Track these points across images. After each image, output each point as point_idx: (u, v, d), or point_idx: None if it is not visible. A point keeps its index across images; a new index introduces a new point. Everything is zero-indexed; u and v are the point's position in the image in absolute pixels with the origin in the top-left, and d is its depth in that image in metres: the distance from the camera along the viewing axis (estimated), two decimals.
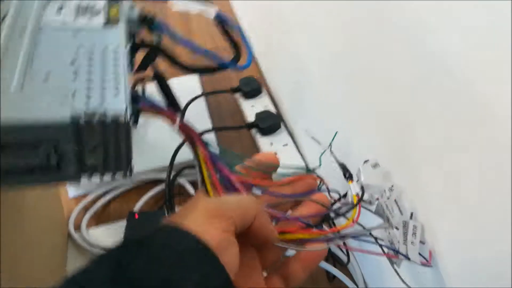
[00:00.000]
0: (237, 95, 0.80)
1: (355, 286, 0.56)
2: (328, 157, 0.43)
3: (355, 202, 0.37)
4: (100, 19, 0.35)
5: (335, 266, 0.56)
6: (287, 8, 0.68)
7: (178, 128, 0.33)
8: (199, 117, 0.76)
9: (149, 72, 0.55)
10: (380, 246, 0.38)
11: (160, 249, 0.26)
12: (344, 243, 0.55)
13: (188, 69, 0.45)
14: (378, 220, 0.40)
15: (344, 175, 0.41)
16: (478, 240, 0.33)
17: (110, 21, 0.35)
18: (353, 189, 0.39)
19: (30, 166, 0.26)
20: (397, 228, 0.37)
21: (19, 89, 0.26)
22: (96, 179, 0.29)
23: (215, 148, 0.35)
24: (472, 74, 0.30)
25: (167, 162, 0.62)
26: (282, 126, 0.74)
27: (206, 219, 0.28)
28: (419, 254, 0.37)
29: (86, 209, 0.63)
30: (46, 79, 0.28)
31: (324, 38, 0.56)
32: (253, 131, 0.74)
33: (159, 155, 0.67)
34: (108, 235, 0.60)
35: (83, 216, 0.62)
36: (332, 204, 0.38)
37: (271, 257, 0.36)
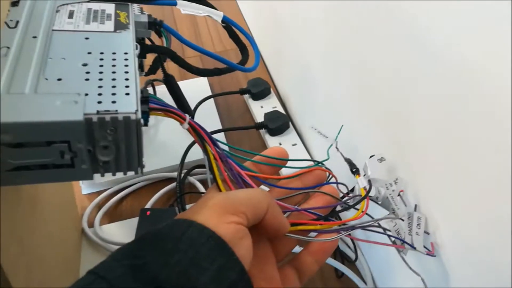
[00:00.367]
0: (246, 96, 0.81)
1: (364, 283, 0.56)
2: (335, 153, 0.44)
3: (363, 195, 0.38)
4: (110, 23, 0.36)
5: (343, 264, 0.57)
6: (291, 8, 0.69)
7: (188, 128, 0.34)
8: (209, 118, 0.77)
9: (159, 74, 0.56)
10: (388, 236, 0.38)
11: (176, 242, 0.27)
12: (353, 242, 0.56)
13: (196, 72, 0.46)
14: (384, 213, 0.41)
15: (351, 170, 0.41)
16: (478, 231, 0.33)
17: (120, 25, 0.36)
18: (361, 183, 0.40)
19: (44, 163, 0.27)
20: (402, 219, 0.38)
21: (33, 91, 0.27)
22: (108, 175, 0.30)
23: (224, 146, 0.36)
24: (474, 67, 0.30)
25: (177, 161, 0.63)
26: (291, 126, 0.75)
27: (219, 214, 0.29)
28: (424, 246, 0.38)
29: (99, 206, 0.65)
30: (59, 81, 0.29)
31: (328, 37, 0.56)
32: (262, 131, 0.75)
33: (170, 155, 0.68)
34: (121, 232, 0.61)
35: (96, 213, 0.63)
36: (342, 197, 0.39)
37: (284, 249, 0.37)
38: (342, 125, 0.46)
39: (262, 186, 0.37)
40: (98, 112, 0.27)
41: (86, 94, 0.28)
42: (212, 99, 0.80)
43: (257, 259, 0.30)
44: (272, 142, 0.73)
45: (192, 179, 0.67)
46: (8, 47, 0.30)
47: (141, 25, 0.40)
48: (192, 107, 0.67)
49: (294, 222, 0.35)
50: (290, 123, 0.75)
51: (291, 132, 0.74)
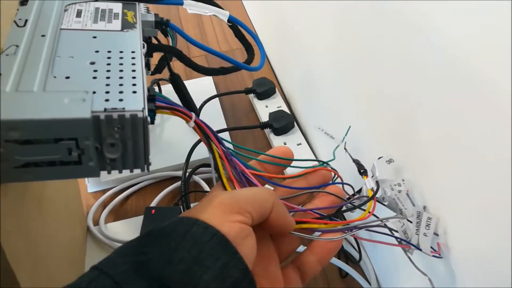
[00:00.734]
0: (251, 96, 0.81)
1: (368, 284, 0.56)
2: (340, 154, 0.44)
3: (370, 196, 0.38)
4: (117, 23, 0.36)
5: (347, 264, 0.57)
6: (296, 8, 0.69)
7: (194, 126, 0.34)
8: (214, 117, 0.77)
9: (165, 73, 0.57)
10: (394, 237, 0.38)
11: (180, 239, 0.27)
12: (357, 241, 0.56)
13: (202, 71, 0.46)
14: (390, 214, 0.41)
15: (359, 171, 0.41)
16: (489, 233, 0.33)
17: (127, 25, 0.36)
18: (368, 184, 0.40)
19: (52, 160, 0.27)
20: (410, 221, 0.38)
21: (42, 88, 0.28)
22: (114, 173, 0.30)
23: (229, 145, 0.36)
24: (480, 69, 0.30)
25: (183, 160, 0.64)
26: (296, 126, 0.75)
27: (223, 212, 0.29)
28: (431, 247, 0.38)
29: (104, 204, 0.65)
30: (67, 79, 0.29)
31: (335, 37, 0.56)
32: (267, 130, 0.75)
33: (175, 153, 0.69)
34: (125, 230, 0.62)
35: (101, 211, 0.64)
36: (348, 198, 0.39)
37: (288, 249, 0.37)
38: (350, 126, 0.46)
39: (267, 185, 0.38)
40: (105, 110, 0.27)
41: (94, 92, 0.28)
42: (217, 99, 0.80)
43: (260, 258, 0.30)
44: (277, 141, 0.73)
45: (197, 178, 0.67)
46: (17, 46, 0.30)
47: (148, 24, 0.40)
48: (198, 106, 0.67)
49: (299, 221, 0.35)
50: (295, 123, 0.75)
51: (296, 132, 0.74)
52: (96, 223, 0.63)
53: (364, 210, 0.37)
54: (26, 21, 0.33)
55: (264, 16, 0.95)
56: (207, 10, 0.44)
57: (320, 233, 0.36)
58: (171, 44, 0.48)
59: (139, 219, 0.59)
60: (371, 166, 0.41)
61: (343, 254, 0.59)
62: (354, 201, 0.39)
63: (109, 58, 0.32)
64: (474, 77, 0.31)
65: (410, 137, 0.41)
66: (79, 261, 0.56)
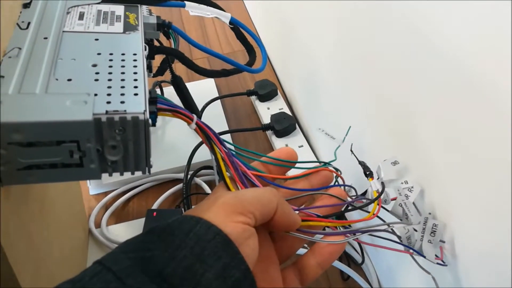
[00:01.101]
0: (253, 98, 0.81)
1: (370, 286, 0.56)
2: (344, 155, 0.43)
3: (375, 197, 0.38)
4: (120, 25, 0.36)
5: (349, 266, 0.57)
6: (298, 9, 0.69)
7: (196, 128, 0.34)
8: (216, 119, 0.77)
9: (167, 76, 0.57)
10: (398, 243, 0.38)
11: (183, 237, 0.27)
12: (360, 246, 0.56)
13: (204, 73, 0.46)
14: (394, 219, 0.40)
15: (365, 173, 0.41)
16: (499, 240, 0.33)
17: (129, 27, 0.36)
18: (374, 186, 0.39)
19: (54, 162, 0.27)
20: (415, 230, 0.38)
21: (44, 91, 0.28)
22: (115, 176, 0.30)
23: (231, 146, 0.36)
24: (482, 68, 0.30)
25: (184, 162, 0.64)
26: (297, 128, 0.75)
27: (227, 213, 0.29)
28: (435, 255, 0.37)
29: (106, 206, 0.65)
30: (69, 81, 0.29)
31: (337, 39, 0.56)
32: (269, 132, 0.75)
33: (177, 156, 0.69)
34: (127, 232, 0.62)
35: (103, 213, 0.64)
36: (353, 200, 0.39)
37: (288, 251, 0.37)
38: (350, 126, 0.46)
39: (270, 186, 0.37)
40: (107, 112, 0.27)
41: (96, 94, 0.28)
42: (219, 101, 0.80)
43: (261, 260, 0.31)
44: (279, 143, 0.73)
45: (198, 180, 0.67)
46: (20, 48, 0.31)
47: (150, 27, 0.40)
48: (199, 108, 0.68)
49: (304, 219, 0.35)
50: (296, 125, 0.75)
51: (298, 134, 0.74)
52: (98, 225, 0.63)
53: (368, 212, 0.37)
54: (28, 23, 0.33)
55: (266, 18, 0.95)
56: (209, 12, 0.45)
57: (322, 236, 0.36)
58: (173, 46, 0.48)
59: (141, 221, 0.59)
60: (376, 168, 0.41)
61: (345, 257, 0.59)
62: (356, 202, 0.38)
63: (111, 60, 0.32)
64: (476, 80, 0.31)
65: (414, 139, 0.41)
66: (80, 264, 0.56)
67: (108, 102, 0.28)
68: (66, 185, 0.50)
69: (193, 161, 0.64)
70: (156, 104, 0.31)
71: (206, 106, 0.74)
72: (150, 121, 0.29)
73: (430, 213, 0.39)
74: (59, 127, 0.26)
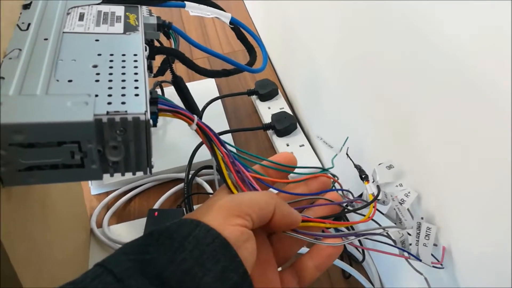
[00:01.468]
0: (254, 97, 0.81)
1: (371, 284, 0.56)
2: (342, 160, 0.44)
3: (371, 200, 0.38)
4: (120, 26, 0.36)
5: (350, 265, 0.57)
6: (299, 9, 0.69)
7: (196, 129, 0.34)
8: (216, 119, 0.77)
9: (167, 76, 0.57)
10: (395, 247, 0.38)
11: (182, 240, 0.27)
12: (360, 242, 0.56)
13: (204, 73, 0.46)
14: (389, 223, 0.41)
15: (360, 176, 0.41)
16: (495, 242, 0.33)
17: (129, 27, 0.36)
18: (369, 189, 0.40)
19: (55, 163, 0.28)
20: (409, 234, 0.38)
21: (45, 92, 0.28)
22: (117, 176, 0.30)
23: (232, 148, 0.36)
24: (482, 69, 0.30)
25: (185, 162, 0.64)
26: (298, 127, 0.75)
27: (225, 216, 0.29)
28: (432, 255, 0.37)
29: (108, 206, 0.65)
30: (70, 82, 0.29)
31: (337, 39, 0.56)
32: (270, 132, 0.75)
33: (178, 155, 0.69)
34: (129, 232, 0.62)
35: (105, 213, 0.64)
36: (349, 202, 0.39)
37: (286, 254, 0.37)
38: (348, 137, 0.46)
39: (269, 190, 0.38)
40: (108, 113, 0.27)
41: (96, 95, 0.28)
42: (219, 100, 0.80)
43: (259, 263, 0.31)
44: (279, 143, 0.73)
45: (199, 179, 0.67)
46: (20, 49, 0.31)
47: (150, 27, 0.40)
48: (200, 108, 0.68)
49: (304, 220, 0.35)
50: (297, 124, 0.75)
51: (299, 133, 0.74)
52: (100, 225, 0.63)
53: (364, 215, 0.37)
54: (29, 24, 0.33)
55: (266, 18, 0.95)
56: (209, 12, 0.45)
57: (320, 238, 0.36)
58: (173, 47, 0.48)
59: (142, 221, 0.60)
60: (371, 172, 0.41)
61: (346, 255, 0.59)
62: (354, 204, 0.39)
63: (111, 61, 0.32)
64: (476, 80, 0.31)
65: (413, 140, 0.41)
66: (82, 264, 0.56)
67: (109, 103, 0.28)
68: (67, 185, 0.50)
69: (194, 160, 0.64)
70: (157, 104, 0.31)
71: (206, 106, 0.74)
72: (151, 121, 0.29)
73: (422, 218, 0.40)
74: (60, 128, 0.26)
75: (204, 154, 0.64)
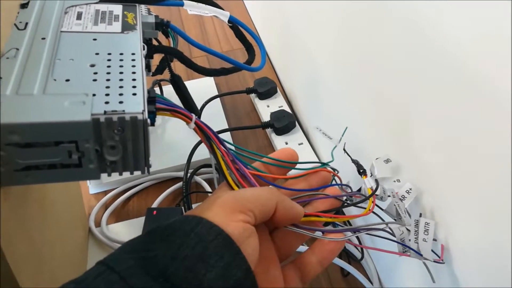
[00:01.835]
0: (252, 96, 0.81)
1: (369, 283, 0.56)
2: (340, 154, 0.44)
3: (369, 194, 0.38)
4: (118, 25, 0.36)
5: (349, 263, 0.57)
6: (298, 7, 0.69)
7: (194, 128, 0.34)
8: (215, 117, 0.77)
9: (166, 74, 0.57)
10: (396, 241, 0.38)
11: (185, 237, 0.27)
12: (359, 240, 0.56)
13: (203, 72, 0.46)
14: (388, 219, 0.41)
15: (358, 171, 0.42)
16: (494, 236, 0.33)
17: (127, 26, 0.36)
18: (368, 183, 0.40)
19: (52, 163, 0.27)
20: (408, 230, 0.38)
21: (42, 91, 0.28)
22: (115, 175, 0.30)
23: (230, 146, 0.36)
24: (481, 68, 0.30)
25: (184, 161, 0.64)
26: (297, 125, 0.75)
27: (227, 212, 0.29)
28: (432, 251, 0.37)
29: (106, 205, 0.65)
30: (68, 81, 0.29)
31: (336, 37, 0.56)
32: (269, 130, 0.75)
33: (176, 154, 0.69)
34: (127, 231, 0.62)
35: (103, 212, 0.64)
36: (348, 196, 0.39)
37: (287, 250, 0.37)
38: (347, 127, 0.46)
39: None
40: (105, 112, 0.27)
41: (94, 95, 0.28)
42: (218, 99, 0.80)
43: (261, 258, 0.31)
44: (278, 141, 0.73)
45: (198, 178, 0.67)
46: (17, 49, 0.30)
47: (148, 26, 0.40)
48: (199, 107, 0.68)
49: (307, 214, 0.35)
50: (296, 122, 0.75)
51: (298, 132, 0.74)
52: (98, 224, 0.63)
53: (364, 208, 0.37)
54: (26, 24, 0.33)
55: (265, 16, 0.95)
56: (208, 11, 0.44)
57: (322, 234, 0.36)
58: (172, 45, 0.48)
59: (141, 220, 0.60)
60: (369, 166, 0.41)
61: (344, 253, 0.59)
62: (353, 198, 0.39)
63: (109, 60, 0.32)
64: (473, 79, 0.31)
65: (412, 138, 0.41)
66: (81, 263, 0.56)
67: (107, 102, 0.28)
68: (65, 184, 0.50)
69: (193, 159, 0.64)
70: (155, 103, 0.31)
71: (205, 105, 0.74)
72: (148, 121, 0.29)
73: (420, 214, 0.40)
74: (57, 128, 0.26)
75: (202, 153, 0.64)
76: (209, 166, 0.67)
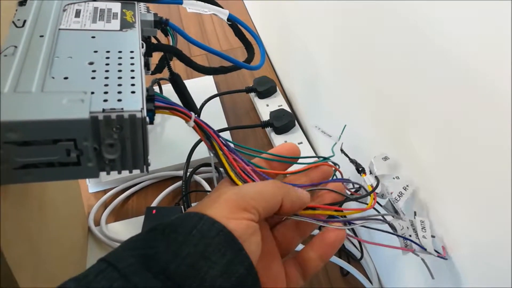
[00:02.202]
0: (252, 95, 0.81)
1: (369, 282, 0.56)
2: (338, 156, 0.44)
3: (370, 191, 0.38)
4: (116, 22, 0.36)
5: (349, 262, 0.57)
6: (298, 6, 0.69)
7: (194, 126, 0.34)
8: (215, 116, 0.77)
9: (165, 73, 0.57)
10: (398, 235, 0.38)
11: (187, 234, 0.27)
12: (354, 232, 0.56)
13: (202, 70, 0.46)
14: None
15: (357, 170, 0.41)
16: (490, 232, 0.33)
17: (126, 24, 0.36)
18: (368, 181, 0.40)
19: (51, 161, 0.27)
20: (407, 227, 0.38)
21: (40, 89, 0.28)
22: (114, 174, 0.30)
23: (230, 144, 0.36)
24: (481, 67, 0.30)
25: (183, 160, 0.64)
26: (297, 125, 0.75)
27: (230, 209, 0.29)
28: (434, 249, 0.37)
29: (105, 204, 0.65)
30: (66, 79, 0.29)
31: (336, 36, 0.56)
32: (268, 129, 0.75)
33: (176, 153, 0.68)
34: (126, 230, 0.62)
35: (102, 212, 0.64)
36: (352, 193, 0.39)
37: (288, 246, 0.37)
38: (345, 125, 0.46)
39: None
40: (104, 110, 0.27)
41: (92, 93, 0.28)
42: (218, 98, 0.80)
43: (263, 255, 0.31)
44: (278, 140, 0.73)
45: (197, 177, 0.67)
46: (16, 46, 0.30)
47: (147, 24, 0.40)
48: (198, 106, 0.67)
49: (310, 206, 0.35)
50: (295, 122, 0.75)
51: (297, 131, 0.74)
52: (97, 223, 0.62)
53: (366, 203, 0.37)
54: (24, 21, 0.33)
55: (265, 14, 0.95)
56: (207, 9, 0.44)
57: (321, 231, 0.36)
58: (171, 44, 0.48)
59: (140, 219, 0.59)
60: (368, 164, 0.41)
61: (344, 253, 0.58)
62: (354, 196, 0.39)
63: (107, 58, 0.32)
64: (473, 78, 0.31)
65: (412, 136, 0.41)
66: (80, 262, 0.55)
67: (105, 100, 0.28)
68: (65, 183, 0.50)
69: (192, 158, 0.64)
70: (154, 101, 0.31)
71: (205, 104, 0.74)
72: (147, 119, 0.29)
73: (415, 212, 0.40)
74: (55, 126, 0.26)
75: (202, 152, 0.64)
76: (209, 165, 0.66)
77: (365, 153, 0.51)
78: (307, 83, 0.73)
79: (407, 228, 0.38)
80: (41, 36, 0.32)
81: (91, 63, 0.31)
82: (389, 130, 0.46)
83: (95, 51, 0.32)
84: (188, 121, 0.33)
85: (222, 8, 0.46)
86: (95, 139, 0.28)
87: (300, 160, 0.39)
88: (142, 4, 0.41)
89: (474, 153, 0.33)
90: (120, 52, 0.32)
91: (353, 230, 0.60)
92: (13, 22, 0.33)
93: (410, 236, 0.37)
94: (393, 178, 0.40)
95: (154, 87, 0.74)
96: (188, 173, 0.64)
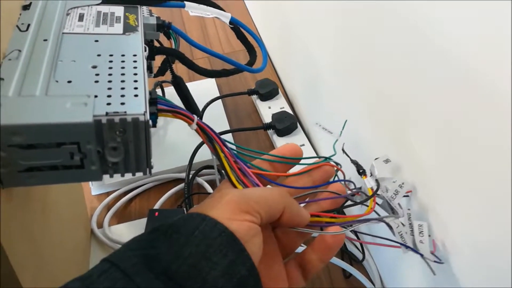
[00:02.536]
0: (254, 97, 0.81)
1: (371, 284, 0.56)
2: (340, 156, 0.44)
3: (370, 194, 0.38)
4: (119, 26, 0.36)
5: (351, 264, 0.57)
6: (299, 9, 0.69)
7: (196, 128, 0.34)
8: (217, 119, 0.77)
9: (167, 76, 0.57)
10: (395, 242, 0.38)
11: (189, 235, 0.27)
12: (356, 235, 0.56)
13: (204, 73, 0.46)
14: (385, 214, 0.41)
15: (358, 171, 0.42)
16: (490, 232, 0.33)
17: (129, 28, 0.36)
18: (368, 183, 0.40)
19: (54, 164, 0.28)
20: (403, 225, 0.38)
21: (44, 93, 0.28)
22: (117, 176, 0.30)
23: (232, 146, 0.36)
24: (481, 67, 0.30)
25: (186, 162, 0.64)
26: (299, 127, 0.75)
27: (233, 211, 0.29)
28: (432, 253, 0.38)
29: (108, 207, 0.65)
30: (69, 83, 0.29)
31: (337, 38, 0.56)
32: (270, 132, 0.75)
33: (178, 156, 0.69)
34: (129, 232, 0.62)
35: (105, 214, 0.64)
36: (352, 195, 0.39)
37: (290, 247, 0.37)
38: (346, 120, 0.46)
39: (268, 186, 0.38)
40: (107, 114, 0.27)
41: (96, 96, 0.28)
42: (220, 100, 0.80)
43: (265, 256, 0.31)
44: (280, 142, 0.73)
45: (200, 179, 0.67)
46: (20, 50, 0.31)
47: (150, 27, 0.40)
48: (200, 108, 0.68)
49: (313, 214, 0.35)
50: (298, 124, 0.75)
51: (299, 133, 0.74)
52: (100, 225, 0.63)
53: (367, 206, 0.37)
54: (28, 25, 0.33)
55: (267, 17, 0.95)
56: (209, 12, 0.45)
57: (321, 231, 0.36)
58: (174, 47, 0.48)
59: (143, 221, 0.60)
60: (369, 166, 0.42)
61: (346, 255, 0.59)
62: (356, 198, 0.39)
63: (111, 61, 0.32)
64: (473, 78, 0.31)
65: (412, 137, 0.41)
66: (83, 264, 0.56)
67: (108, 104, 0.28)
68: (68, 185, 0.50)
69: (195, 160, 0.64)
70: (157, 105, 0.31)
71: (207, 106, 0.74)
72: (150, 122, 0.29)
73: (409, 215, 0.40)
74: (59, 129, 0.26)
75: (204, 154, 0.64)
76: (211, 167, 0.67)
77: (366, 153, 0.51)
78: (308, 84, 0.73)
79: (403, 225, 0.38)
80: (45, 40, 0.32)
81: (94, 67, 0.31)
82: (389, 130, 0.46)
83: (99, 55, 0.32)
84: (190, 124, 0.33)
85: (224, 11, 0.46)
86: (98, 142, 0.28)
87: (302, 161, 0.39)
88: (145, 7, 0.41)
89: (474, 153, 0.33)
90: (123, 55, 0.33)
91: (354, 232, 0.60)
92: (17, 26, 0.33)
93: (407, 233, 0.38)
94: (394, 182, 0.41)
95: (156, 90, 0.75)
96: (191, 176, 0.64)
